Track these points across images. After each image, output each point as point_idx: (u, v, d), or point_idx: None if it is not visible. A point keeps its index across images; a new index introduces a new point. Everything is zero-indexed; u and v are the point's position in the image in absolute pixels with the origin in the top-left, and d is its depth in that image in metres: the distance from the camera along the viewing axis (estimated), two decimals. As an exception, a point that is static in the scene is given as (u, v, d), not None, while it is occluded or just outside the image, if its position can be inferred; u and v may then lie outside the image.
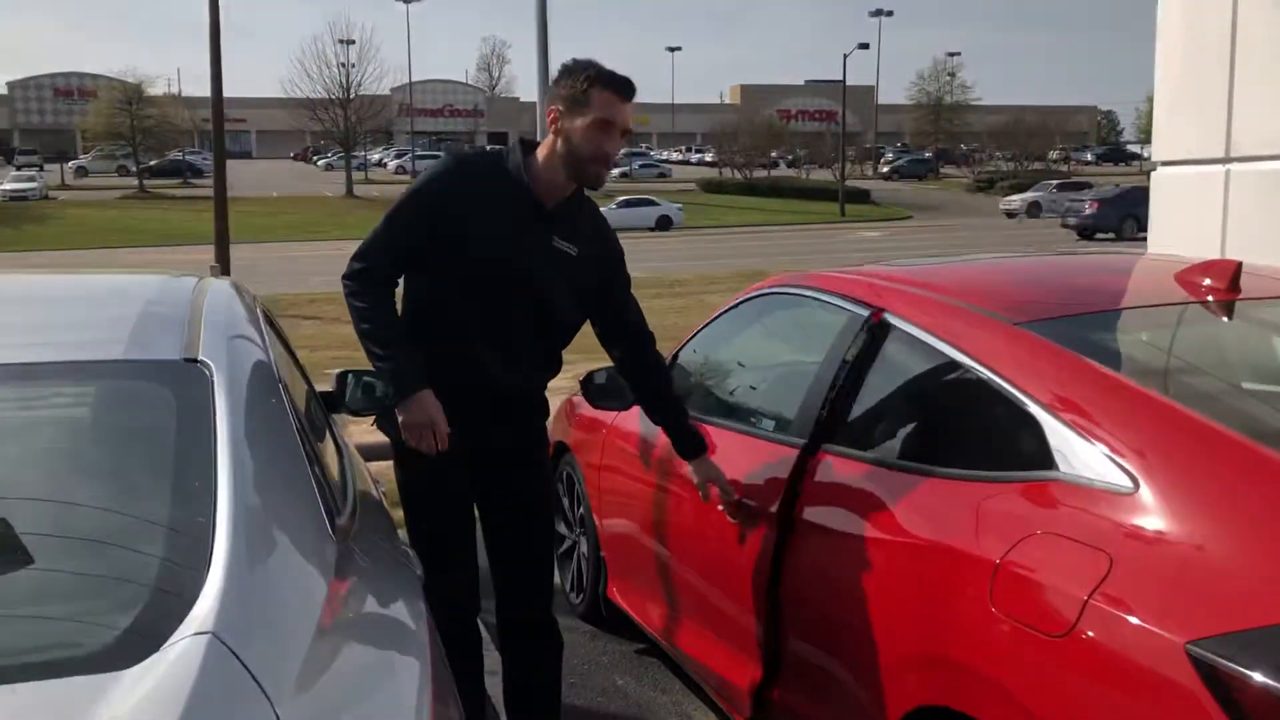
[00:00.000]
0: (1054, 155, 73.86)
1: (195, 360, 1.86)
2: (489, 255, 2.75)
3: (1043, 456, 2.11)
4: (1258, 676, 1.58)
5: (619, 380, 3.26)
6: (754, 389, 3.97)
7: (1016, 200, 45.78)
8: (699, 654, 3.35)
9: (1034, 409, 2.17)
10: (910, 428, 2.60)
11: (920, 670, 2.18)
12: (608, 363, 3.28)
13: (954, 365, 2.42)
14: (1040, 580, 1.94)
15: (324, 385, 3.14)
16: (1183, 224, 5.17)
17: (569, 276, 2.84)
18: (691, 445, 3.05)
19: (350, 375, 3.57)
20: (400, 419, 2.68)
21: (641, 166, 69.58)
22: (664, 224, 39.62)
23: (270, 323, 2.71)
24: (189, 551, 1.41)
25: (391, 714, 1.39)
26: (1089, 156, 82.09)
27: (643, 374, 3.11)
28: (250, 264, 24.22)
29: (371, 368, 2.81)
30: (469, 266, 2.75)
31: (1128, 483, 1.95)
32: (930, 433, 2.52)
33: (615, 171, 69.22)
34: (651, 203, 40.67)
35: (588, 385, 3.34)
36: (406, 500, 2.97)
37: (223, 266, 18.36)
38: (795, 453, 2.76)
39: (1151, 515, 1.89)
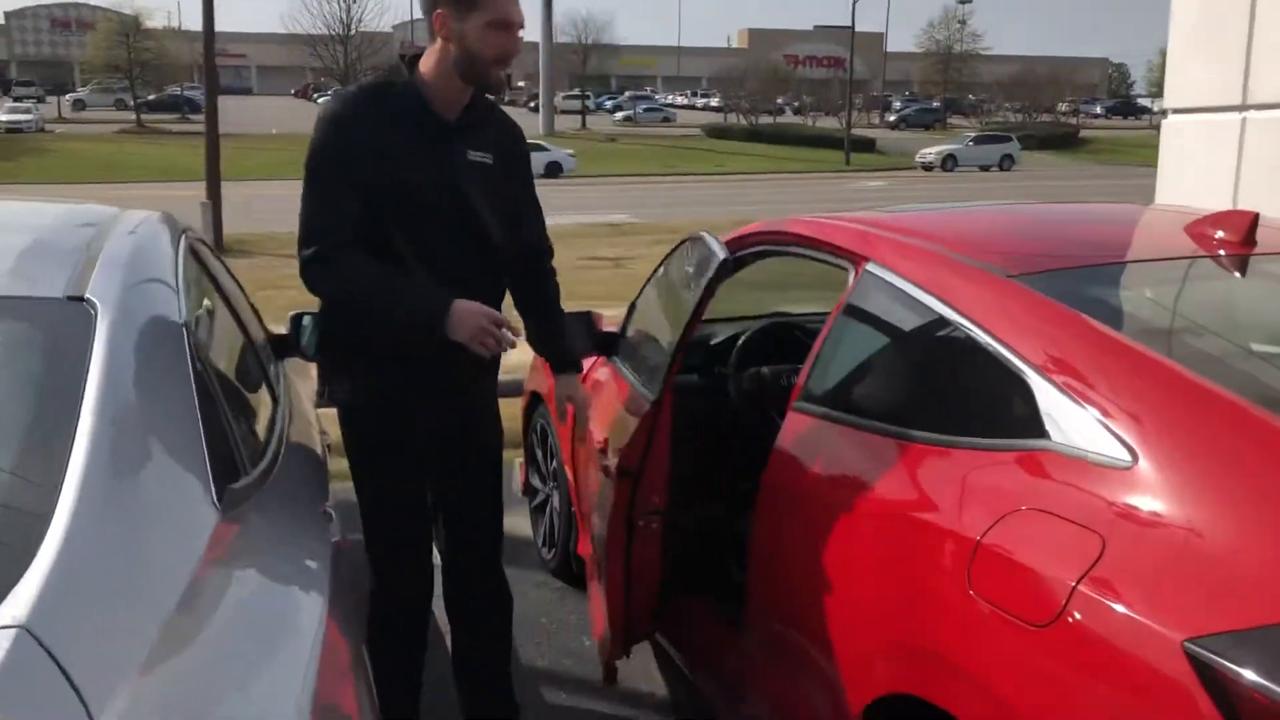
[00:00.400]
0: (1063, 107, 72.87)
1: (81, 299, 1.64)
2: (407, 181, 2.53)
3: (1033, 423, 1.91)
4: (1260, 679, 1.39)
5: (585, 323, 3.09)
6: (720, 345, 3.76)
7: (933, 153, 45.21)
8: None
9: (1025, 370, 1.96)
10: (890, 388, 2.39)
11: (889, 656, 1.99)
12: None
13: (939, 320, 2.21)
14: (1024, 562, 1.74)
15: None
16: (1193, 175, 4.93)
17: (491, 188, 2.66)
18: (563, 361, 2.97)
19: (305, 317, 3.37)
20: (460, 336, 2.44)
21: (645, 110, 68.81)
22: (553, 170, 38.31)
23: (202, 261, 2.49)
24: (19, 525, 1.20)
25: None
26: (1098, 109, 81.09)
27: (538, 285, 2.93)
28: (245, 201, 23.88)
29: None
30: (392, 198, 2.53)
31: (1125, 456, 1.74)
32: (911, 394, 2.30)
33: (619, 115, 68.87)
34: (541, 148, 39.52)
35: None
36: (357, 461, 2.75)
37: (214, 204, 18.09)
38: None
39: (1150, 493, 1.68)
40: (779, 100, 69.54)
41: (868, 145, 52.79)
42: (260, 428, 2.15)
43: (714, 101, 75.71)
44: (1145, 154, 48.77)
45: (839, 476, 2.29)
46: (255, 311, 3.47)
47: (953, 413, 2.13)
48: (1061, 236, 2.68)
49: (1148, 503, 1.68)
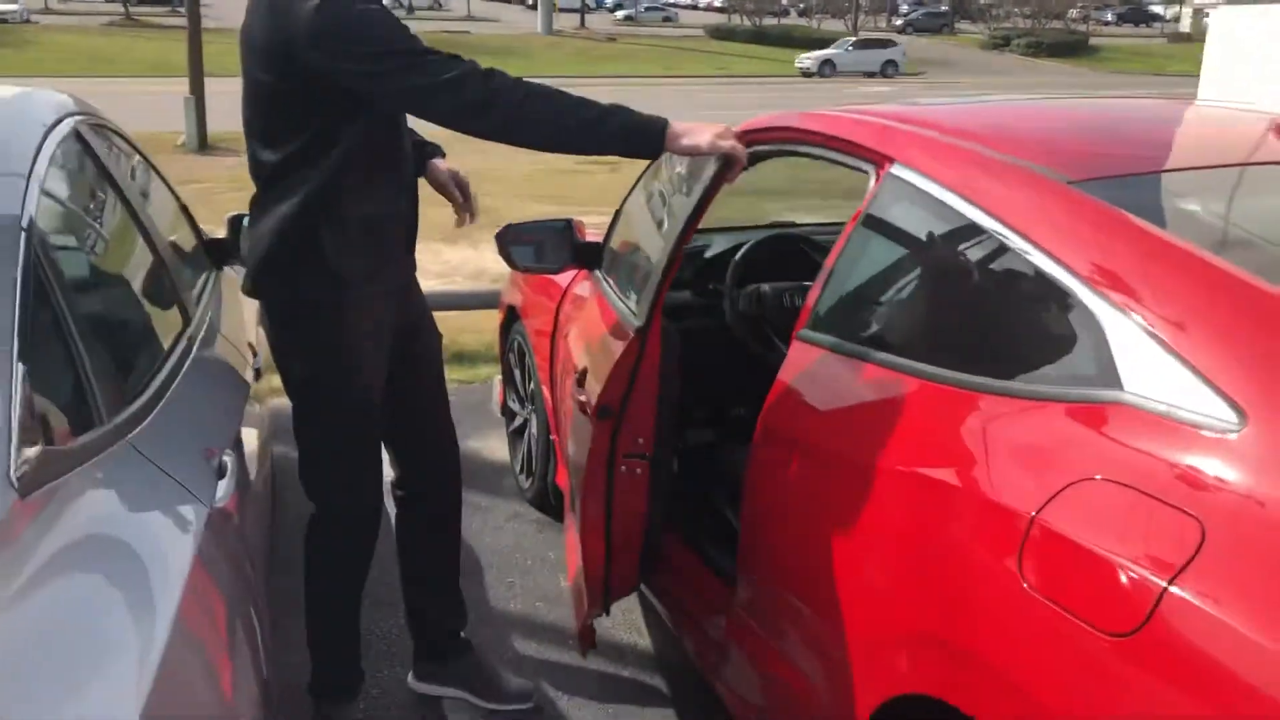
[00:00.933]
0: (1073, 14, 70.97)
1: None
2: None
3: (1103, 367, 1.51)
4: None
5: (554, 232, 2.69)
6: (716, 258, 3.34)
7: (810, 58, 43.68)
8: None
9: (1093, 300, 1.56)
10: (919, 317, 1.98)
11: (910, 649, 1.62)
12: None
13: (981, 236, 1.80)
14: (1095, 550, 1.36)
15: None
16: (1245, 77, 4.47)
17: None
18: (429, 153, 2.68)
19: (244, 220, 2.98)
20: (700, 140, 2.10)
21: (647, 10, 67.07)
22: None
23: (93, 153, 2.07)
24: None
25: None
26: (1109, 16, 79.04)
27: None
28: (233, 98, 23.08)
29: None
30: None
31: (1230, 416, 1.35)
32: (945, 325, 1.89)
33: (619, 14, 67.16)
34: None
35: (503, 239, 2.75)
36: (316, 403, 2.42)
37: (197, 99, 17.44)
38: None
39: (1266, 468, 1.30)
40: (783, 1, 67.74)
41: (874, 49, 51.54)
42: (144, 358, 1.76)
43: (718, 1, 73.74)
44: (1154, 63, 47.68)
45: (852, 423, 1.89)
46: (187, 214, 3.06)
47: (997, 349, 1.73)
48: (1128, 135, 2.24)
49: (1262, 481, 1.29)
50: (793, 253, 3.24)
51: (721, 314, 3.11)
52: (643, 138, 2.09)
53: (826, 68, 42.63)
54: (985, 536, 1.50)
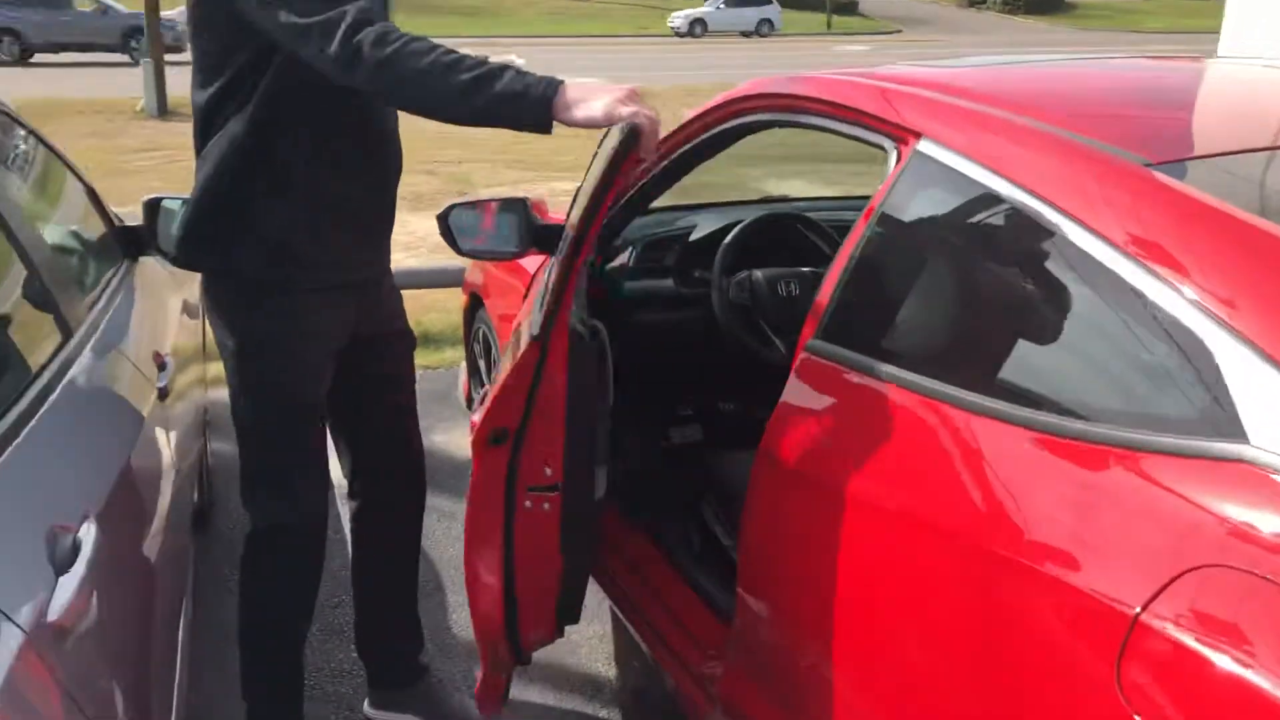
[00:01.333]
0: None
1: None
2: None
3: (1221, 412, 1.17)
4: None
5: (507, 212, 2.34)
6: (702, 242, 2.96)
7: (680, 18, 41.41)
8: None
9: (1203, 325, 1.21)
10: (971, 337, 1.60)
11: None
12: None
13: (1046, 233, 1.43)
14: (1223, 665, 1.02)
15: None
16: (1261, 37, 4.13)
17: None
18: None
19: (162, 203, 2.60)
20: (594, 112, 1.73)
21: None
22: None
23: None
24: None
25: None
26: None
27: None
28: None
29: None
30: None
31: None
32: (1006, 349, 1.51)
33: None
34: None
35: (445, 220, 2.36)
36: (248, 398, 2.15)
37: (155, 63, 16.80)
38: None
39: None
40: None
41: (850, 8, 50.75)
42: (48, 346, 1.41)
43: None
44: (1132, 19, 47.29)
45: (885, 468, 1.53)
46: (95, 200, 2.66)
47: (1073, 383, 1.38)
48: (1202, 103, 1.88)
49: None
50: (787, 233, 2.88)
51: (709, 305, 2.75)
52: (520, 108, 1.72)
53: (698, 27, 40.42)
54: (1070, 631, 1.16)
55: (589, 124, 1.73)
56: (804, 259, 2.77)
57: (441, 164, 10.22)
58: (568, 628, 2.31)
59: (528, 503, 2.00)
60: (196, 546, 2.78)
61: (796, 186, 3.77)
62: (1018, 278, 1.53)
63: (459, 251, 2.39)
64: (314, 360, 2.14)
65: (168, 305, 2.67)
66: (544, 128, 1.74)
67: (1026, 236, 1.48)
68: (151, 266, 2.69)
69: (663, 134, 1.93)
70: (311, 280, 2.07)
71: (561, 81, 1.73)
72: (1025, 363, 1.46)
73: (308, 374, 2.14)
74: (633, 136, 1.71)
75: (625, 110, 1.71)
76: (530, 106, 1.71)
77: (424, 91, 1.75)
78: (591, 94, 1.72)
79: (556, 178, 9.26)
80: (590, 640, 2.88)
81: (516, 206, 2.40)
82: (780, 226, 2.87)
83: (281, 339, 2.08)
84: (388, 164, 2.15)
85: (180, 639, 1.99)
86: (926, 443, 1.47)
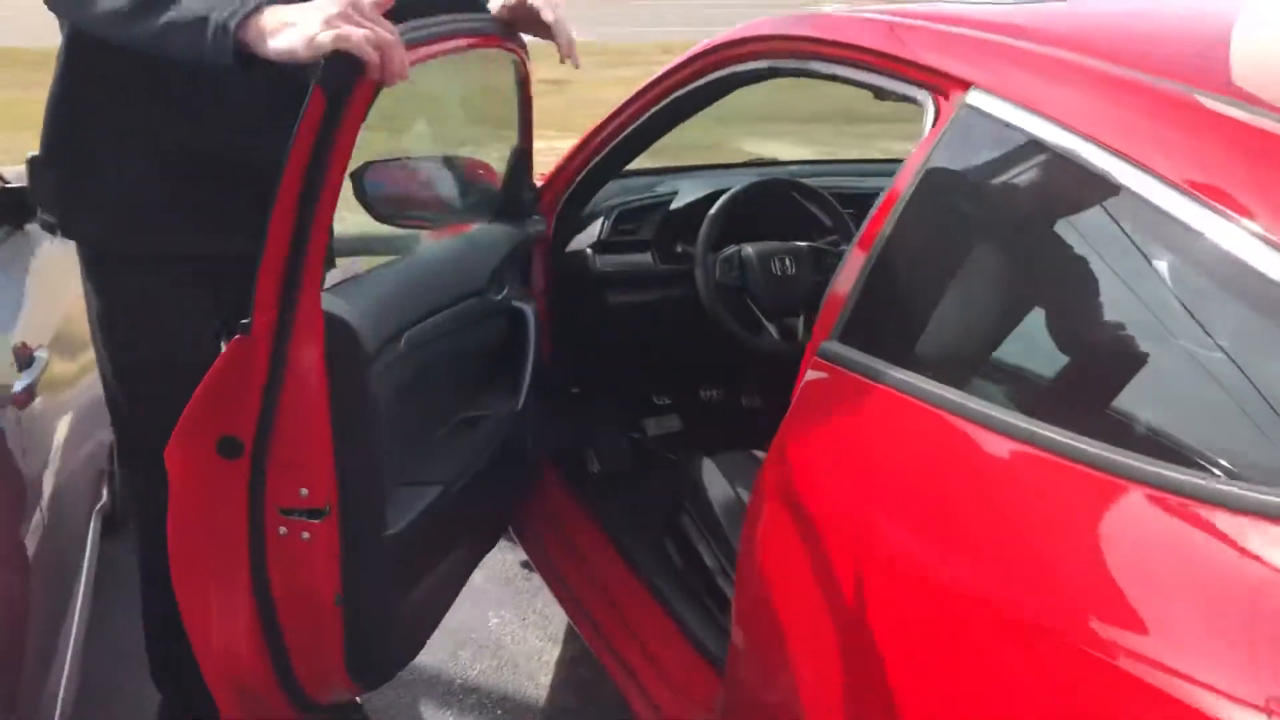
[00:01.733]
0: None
1: None
2: None
3: None
4: None
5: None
6: (683, 216, 2.59)
7: None
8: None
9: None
10: (1032, 355, 1.21)
11: None
12: None
13: (1146, 211, 1.08)
14: None
15: None
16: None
17: None
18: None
19: None
20: (295, 41, 1.32)
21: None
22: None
23: None
24: None
25: None
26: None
27: None
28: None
29: None
30: None
31: None
32: (1099, 372, 1.14)
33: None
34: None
35: (360, 180, 1.94)
36: (119, 385, 1.82)
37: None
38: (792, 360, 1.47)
39: None
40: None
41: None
42: None
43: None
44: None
45: (916, 517, 1.17)
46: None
47: (1211, 425, 1.02)
48: None
49: None
50: (781, 202, 2.53)
51: (692, 284, 2.40)
52: (198, 36, 1.35)
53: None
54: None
55: (290, 58, 1.33)
56: (801, 232, 2.46)
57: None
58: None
59: (282, 528, 1.55)
60: (116, 550, 2.46)
61: (780, 149, 3.38)
62: (1111, 276, 1.17)
63: (377, 218, 2.03)
64: (179, 353, 1.65)
65: (60, 282, 2.28)
66: (229, 62, 1.36)
67: (1121, 217, 1.12)
68: (37, 233, 2.31)
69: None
70: (160, 249, 1.70)
71: (259, 6, 1.35)
72: (1136, 389, 1.09)
73: (170, 366, 1.67)
74: (349, 71, 1.32)
75: (326, 36, 1.30)
76: (213, 35, 1.34)
77: (99, 10, 1.44)
78: (301, 17, 1.33)
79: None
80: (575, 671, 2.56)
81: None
82: (774, 195, 2.52)
83: (134, 315, 1.75)
84: (257, 106, 1.66)
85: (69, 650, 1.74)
86: (981, 485, 1.12)
